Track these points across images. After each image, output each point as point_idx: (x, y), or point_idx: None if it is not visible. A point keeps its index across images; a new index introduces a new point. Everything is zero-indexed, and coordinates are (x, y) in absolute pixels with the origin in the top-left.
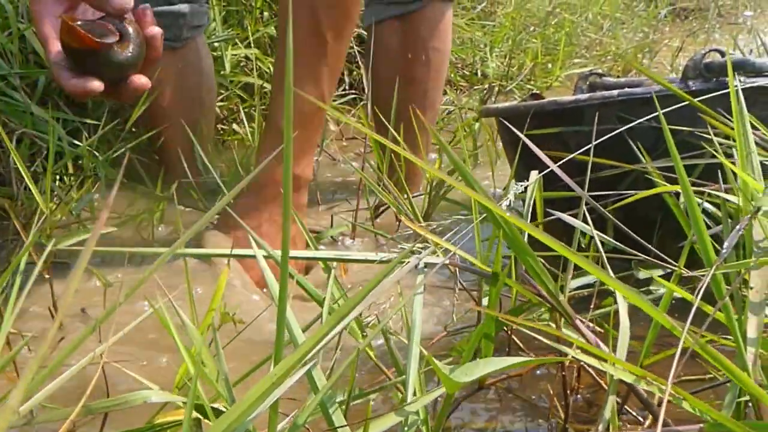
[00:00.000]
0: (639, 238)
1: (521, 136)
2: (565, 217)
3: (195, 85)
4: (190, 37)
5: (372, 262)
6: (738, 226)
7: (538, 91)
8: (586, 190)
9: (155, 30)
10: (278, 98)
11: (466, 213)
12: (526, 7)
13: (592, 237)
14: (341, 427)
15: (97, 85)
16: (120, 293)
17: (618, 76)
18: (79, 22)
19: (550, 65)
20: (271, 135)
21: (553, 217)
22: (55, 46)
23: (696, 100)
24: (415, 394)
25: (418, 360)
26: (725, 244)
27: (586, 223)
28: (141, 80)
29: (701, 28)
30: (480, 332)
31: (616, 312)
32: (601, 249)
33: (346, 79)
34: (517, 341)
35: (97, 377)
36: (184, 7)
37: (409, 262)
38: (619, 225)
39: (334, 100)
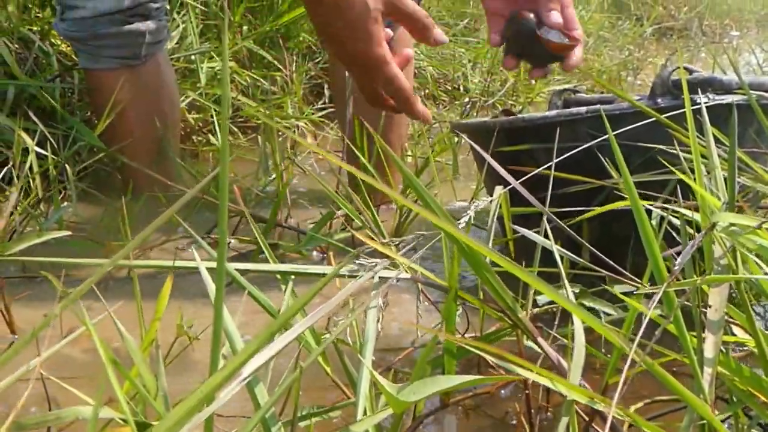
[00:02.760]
0: (596, 251)
1: (485, 155)
2: (527, 233)
3: (156, 100)
4: (150, 54)
5: (324, 275)
6: (692, 242)
7: (509, 108)
8: (547, 206)
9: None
10: None
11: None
12: None
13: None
14: None
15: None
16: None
17: (602, 93)
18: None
19: (532, 81)
20: None
21: (521, 234)
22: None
23: (663, 116)
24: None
25: (369, 378)
26: (678, 260)
27: (556, 239)
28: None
29: (686, 47)
30: (428, 352)
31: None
32: (561, 265)
33: (326, 93)
34: (488, 360)
35: (29, 393)
36: (142, 26)
37: (365, 275)
38: (578, 238)
39: (313, 113)
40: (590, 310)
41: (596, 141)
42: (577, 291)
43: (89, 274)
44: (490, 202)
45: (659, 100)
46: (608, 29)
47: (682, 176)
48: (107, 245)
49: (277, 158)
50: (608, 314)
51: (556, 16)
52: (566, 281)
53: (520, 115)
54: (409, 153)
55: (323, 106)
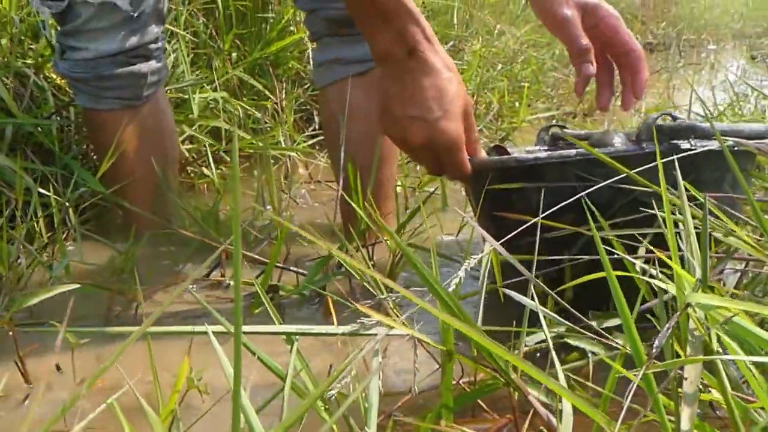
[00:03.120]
0: (570, 307)
1: (471, 221)
2: (514, 294)
3: (157, 139)
4: (151, 94)
5: (332, 335)
6: (667, 325)
7: (500, 144)
8: (536, 249)
9: None
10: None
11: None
12: (494, 44)
13: (549, 295)
14: None
15: None
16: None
17: (583, 115)
18: None
19: (517, 104)
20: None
21: (522, 278)
22: None
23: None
24: None
25: None
26: (655, 343)
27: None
28: None
29: (665, 66)
30: (432, 419)
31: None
32: (544, 321)
33: (316, 119)
34: (482, 404)
35: None
36: (144, 67)
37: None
38: (561, 301)
39: (304, 141)
40: (578, 349)
41: (583, 193)
42: (563, 330)
43: (97, 322)
44: (479, 259)
45: (644, 145)
46: None
47: (656, 251)
48: (112, 291)
49: (273, 196)
50: (595, 354)
51: (588, 69)
52: (550, 340)
53: (512, 155)
54: (399, 183)
55: (314, 132)
